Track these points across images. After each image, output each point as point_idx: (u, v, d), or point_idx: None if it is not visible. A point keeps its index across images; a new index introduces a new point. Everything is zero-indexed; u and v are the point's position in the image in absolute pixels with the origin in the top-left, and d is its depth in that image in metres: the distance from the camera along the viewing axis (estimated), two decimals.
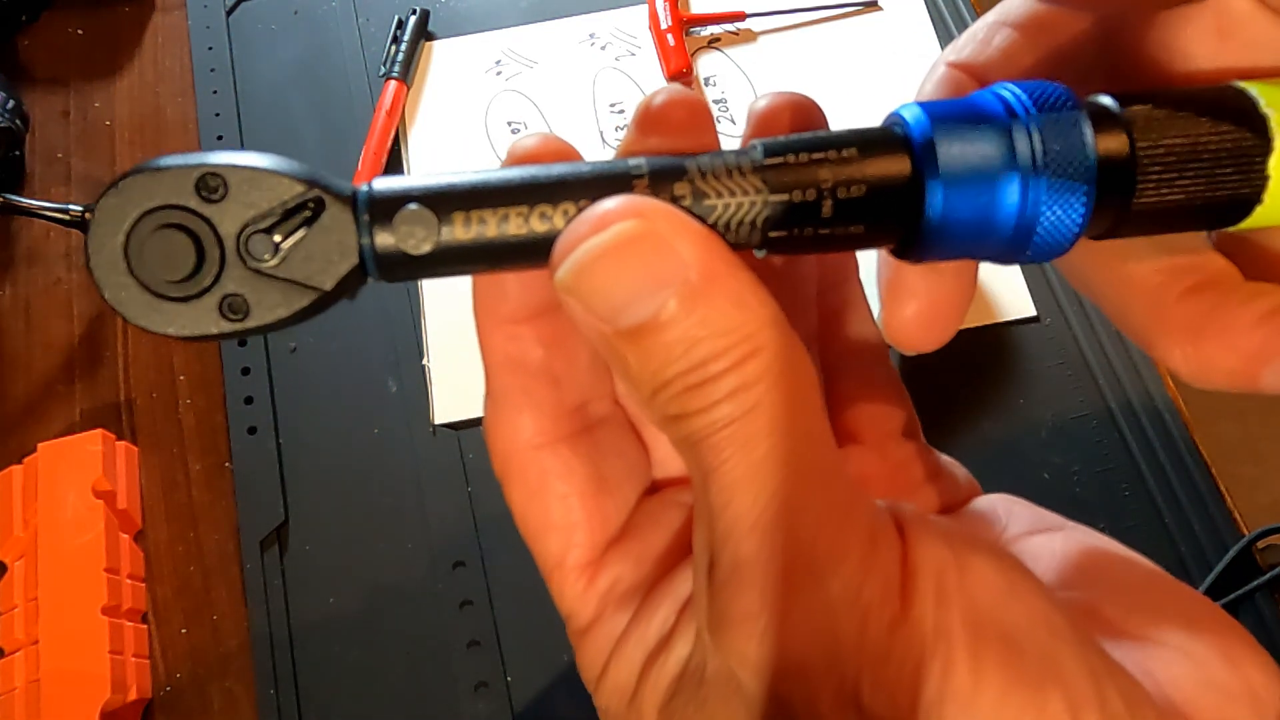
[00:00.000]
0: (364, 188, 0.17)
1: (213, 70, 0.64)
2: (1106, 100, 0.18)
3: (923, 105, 0.18)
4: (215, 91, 0.63)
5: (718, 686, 0.17)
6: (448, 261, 0.17)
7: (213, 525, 0.52)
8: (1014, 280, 0.55)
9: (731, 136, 0.59)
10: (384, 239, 0.17)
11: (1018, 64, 0.21)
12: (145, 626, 0.49)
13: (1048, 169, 0.17)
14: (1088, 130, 0.17)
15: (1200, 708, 0.17)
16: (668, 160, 0.17)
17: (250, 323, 0.17)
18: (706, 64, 0.63)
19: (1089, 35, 0.21)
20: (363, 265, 0.17)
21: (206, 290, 0.17)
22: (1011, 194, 0.17)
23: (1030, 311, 0.54)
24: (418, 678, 0.48)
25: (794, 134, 0.18)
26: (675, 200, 0.17)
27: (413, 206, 0.17)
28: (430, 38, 0.64)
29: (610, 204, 0.16)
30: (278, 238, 0.17)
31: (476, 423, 0.53)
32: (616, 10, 0.65)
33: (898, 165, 0.17)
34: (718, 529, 0.16)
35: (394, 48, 0.63)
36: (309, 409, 0.54)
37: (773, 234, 0.17)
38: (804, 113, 0.20)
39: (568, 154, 0.19)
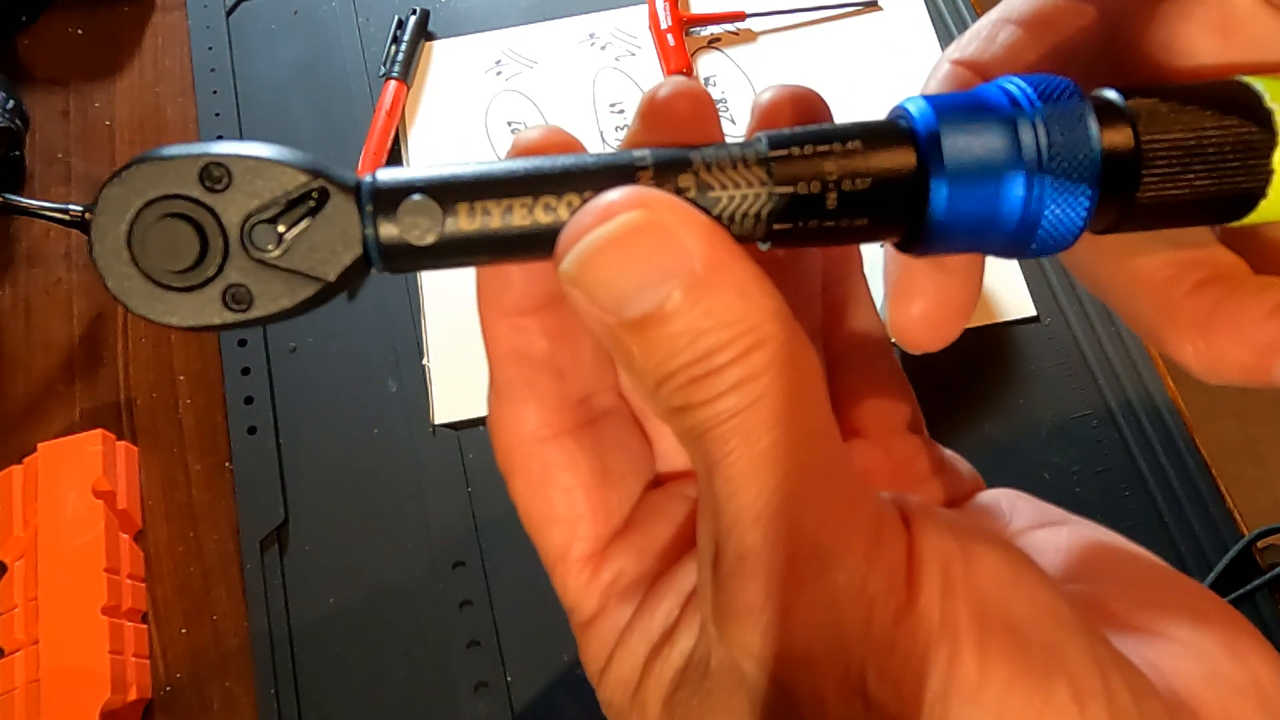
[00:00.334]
0: (368, 178, 0.17)
1: (213, 70, 0.64)
2: (1111, 94, 0.18)
3: (928, 98, 0.18)
4: (215, 91, 0.63)
5: (722, 678, 0.17)
6: (452, 253, 0.17)
7: (213, 525, 0.52)
8: (1014, 280, 0.55)
9: (731, 137, 0.59)
10: (388, 230, 0.17)
11: (1022, 60, 0.21)
12: (145, 626, 0.49)
13: (1053, 162, 0.17)
14: (1093, 124, 0.17)
15: (1205, 701, 0.17)
16: (672, 152, 0.17)
17: (254, 313, 0.17)
18: (706, 64, 0.63)
19: (1093, 32, 0.21)
20: (366, 256, 0.17)
21: (210, 280, 0.17)
22: (1017, 187, 0.17)
23: (1030, 311, 0.54)
24: (418, 678, 0.48)
25: (799, 126, 0.18)
26: (680, 192, 0.17)
27: (417, 197, 0.16)
28: (430, 38, 0.64)
29: (615, 195, 0.16)
30: (281, 228, 0.16)
31: (476, 423, 0.53)
32: (616, 10, 0.65)
33: (903, 158, 0.17)
34: (722, 521, 0.16)
35: (394, 48, 0.63)
36: (309, 409, 0.54)
37: (777, 226, 0.17)
38: (808, 105, 0.20)
39: (571, 146, 0.19)
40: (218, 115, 0.63)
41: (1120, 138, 0.18)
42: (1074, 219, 0.18)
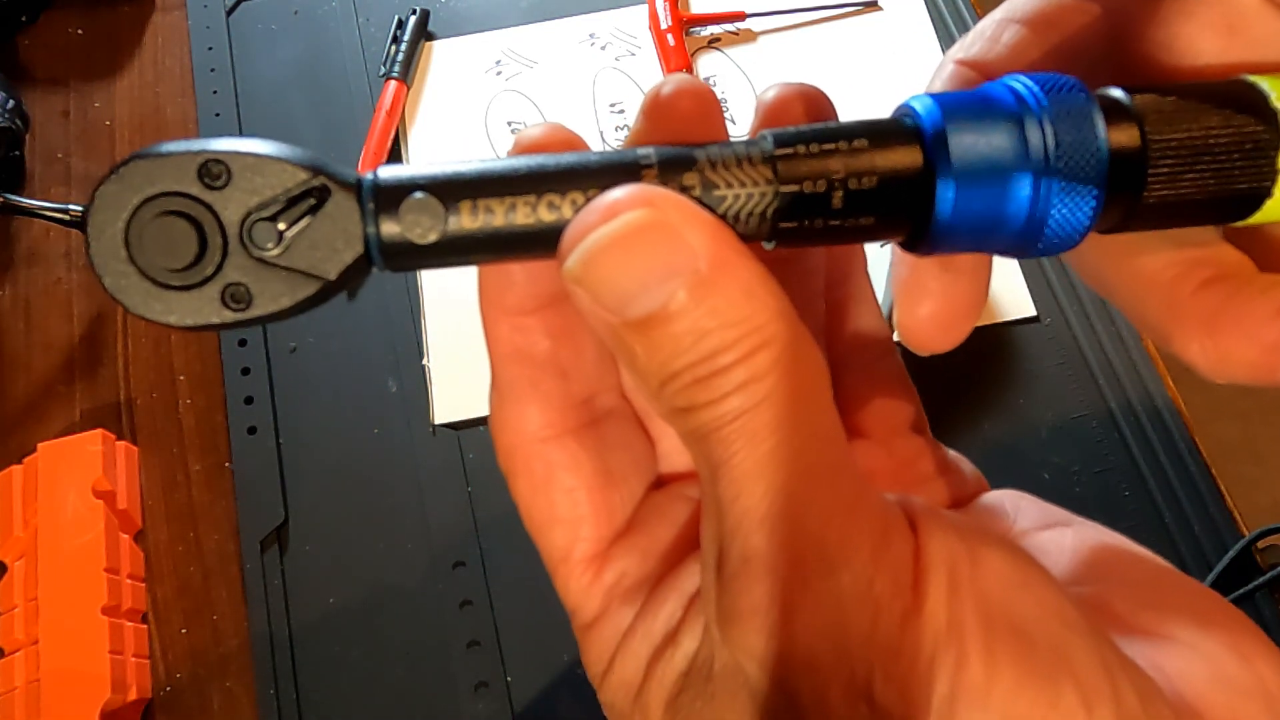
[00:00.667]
0: (369, 176, 0.17)
1: (213, 70, 0.64)
2: (1117, 93, 0.18)
3: (934, 96, 0.18)
4: (215, 91, 0.63)
5: (725, 681, 0.17)
6: (454, 251, 0.17)
7: (213, 525, 0.51)
8: (1014, 280, 0.55)
9: (732, 137, 0.59)
10: (389, 228, 0.16)
11: (1026, 60, 0.21)
12: (145, 626, 0.49)
13: (1060, 161, 0.17)
14: (1100, 122, 0.17)
15: (1212, 703, 0.17)
16: (677, 150, 0.17)
17: (253, 312, 0.16)
18: (706, 64, 0.63)
19: (1096, 31, 0.21)
20: (368, 254, 0.17)
21: (209, 279, 0.16)
22: (1024, 186, 0.17)
23: (1030, 311, 0.54)
24: (418, 678, 0.48)
25: (804, 125, 0.18)
26: (684, 191, 0.17)
27: (419, 195, 0.16)
28: (430, 38, 0.64)
29: (619, 193, 0.16)
30: (281, 226, 0.16)
31: (477, 423, 0.53)
32: (616, 10, 0.65)
33: (909, 156, 0.17)
34: (726, 522, 0.16)
35: (394, 48, 0.63)
36: (309, 409, 0.54)
37: (782, 225, 0.17)
38: (813, 104, 0.20)
39: (574, 143, 0.18)
40: (218, 115, 0.62)
41: (1127, 137, 0.18)
42: (1080, 219, 0.17)
